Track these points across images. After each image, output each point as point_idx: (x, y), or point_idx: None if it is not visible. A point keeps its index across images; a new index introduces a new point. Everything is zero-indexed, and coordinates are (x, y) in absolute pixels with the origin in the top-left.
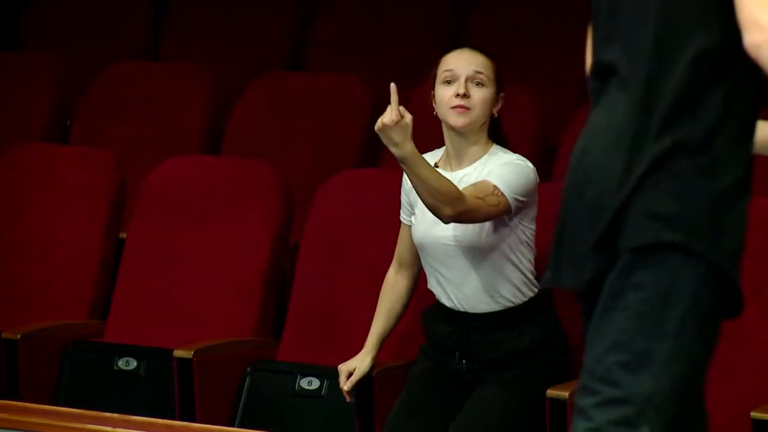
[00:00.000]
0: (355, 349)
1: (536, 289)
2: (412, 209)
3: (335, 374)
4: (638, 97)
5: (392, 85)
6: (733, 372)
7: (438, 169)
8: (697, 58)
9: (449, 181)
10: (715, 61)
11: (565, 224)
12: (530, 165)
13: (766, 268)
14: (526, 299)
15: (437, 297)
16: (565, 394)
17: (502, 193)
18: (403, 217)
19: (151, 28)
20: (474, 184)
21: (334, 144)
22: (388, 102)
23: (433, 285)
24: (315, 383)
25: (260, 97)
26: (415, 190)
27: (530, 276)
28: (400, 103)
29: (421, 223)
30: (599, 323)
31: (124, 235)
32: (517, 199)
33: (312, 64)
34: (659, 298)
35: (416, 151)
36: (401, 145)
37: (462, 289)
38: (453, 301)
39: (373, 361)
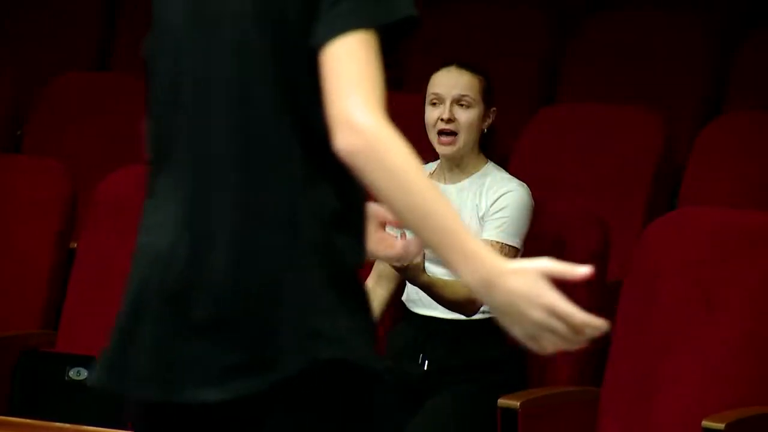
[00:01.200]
0: None
1: None
2: None
3: None
4: (235, 201)
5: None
6: (685, 380)
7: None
8: (305, 140)
9: (457, 286)
10: (324, 141)
11: (150, 320)
12: (526, 189)
13: (715, 278)
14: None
15: (411, 306)
16: (516, 403)
17: (509, 246)
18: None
19: (103, 38)
20: None
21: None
22: None
23: (410, 293)
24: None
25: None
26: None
27: None
28: None
29: None
30: None
31: (75, 245)
32: (522, 239)
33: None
34: (337, 421)
35: (428, 278)
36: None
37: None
38: (428, 306)
39: None
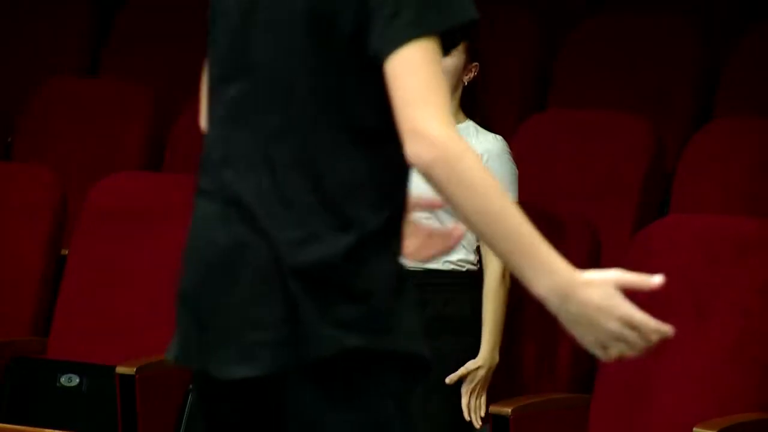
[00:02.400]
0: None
1: (476, 266)
2: None
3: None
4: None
5: None
6: (676, 387)
7: None
8: (354, 142)
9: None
10: (371, 144)
11: (213, 296)
12: (502, 142)
13: (705, 284)
14: (463, 269)
15: None
16: (508, 410)
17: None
18: None
19: (93, 43)
20: None
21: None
22: None
23: None
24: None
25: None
26: None
27: (473, 250)
28: None
29: None
30: None
31: (66, 252)
32: (515, 189)
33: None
34: (371, 413)
35: None
36: None
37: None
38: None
39: None
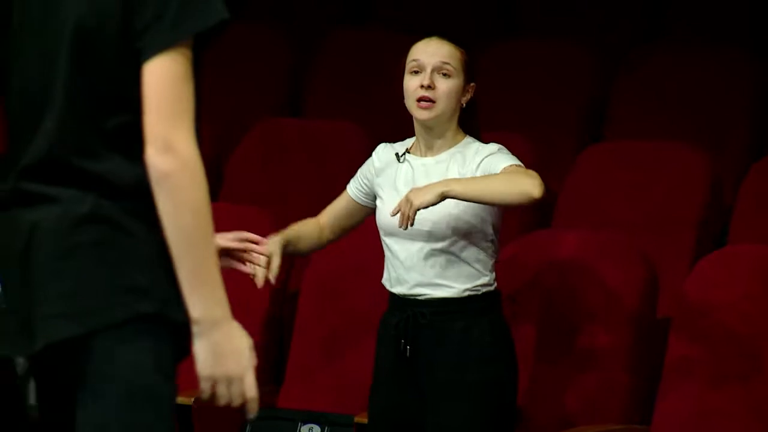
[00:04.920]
0: (353, 394)
1: (492, 286)
2: (370, 194)
3: (336, 420)
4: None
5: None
6: (735, 418)
7: (409, 155)
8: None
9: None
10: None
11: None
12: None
13: (764, 315)
14: (479, 293)
15: (390, 287)
16: None
17: (517, 165)
18: (353, 190)
19: None
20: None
21: (330, 192)
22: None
23: (389, 268)
24: (316, 430)
25: (257, 143)
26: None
27: (489, 270)
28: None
29: (388, 207)
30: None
31: None
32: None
33: (308, 111)
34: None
35: (454, 183)
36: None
37: (411, 274)
38: (403, 287)
39: (282, 244)
